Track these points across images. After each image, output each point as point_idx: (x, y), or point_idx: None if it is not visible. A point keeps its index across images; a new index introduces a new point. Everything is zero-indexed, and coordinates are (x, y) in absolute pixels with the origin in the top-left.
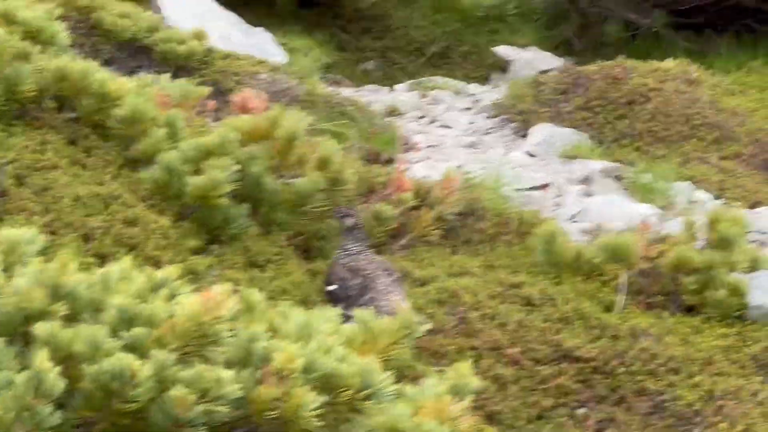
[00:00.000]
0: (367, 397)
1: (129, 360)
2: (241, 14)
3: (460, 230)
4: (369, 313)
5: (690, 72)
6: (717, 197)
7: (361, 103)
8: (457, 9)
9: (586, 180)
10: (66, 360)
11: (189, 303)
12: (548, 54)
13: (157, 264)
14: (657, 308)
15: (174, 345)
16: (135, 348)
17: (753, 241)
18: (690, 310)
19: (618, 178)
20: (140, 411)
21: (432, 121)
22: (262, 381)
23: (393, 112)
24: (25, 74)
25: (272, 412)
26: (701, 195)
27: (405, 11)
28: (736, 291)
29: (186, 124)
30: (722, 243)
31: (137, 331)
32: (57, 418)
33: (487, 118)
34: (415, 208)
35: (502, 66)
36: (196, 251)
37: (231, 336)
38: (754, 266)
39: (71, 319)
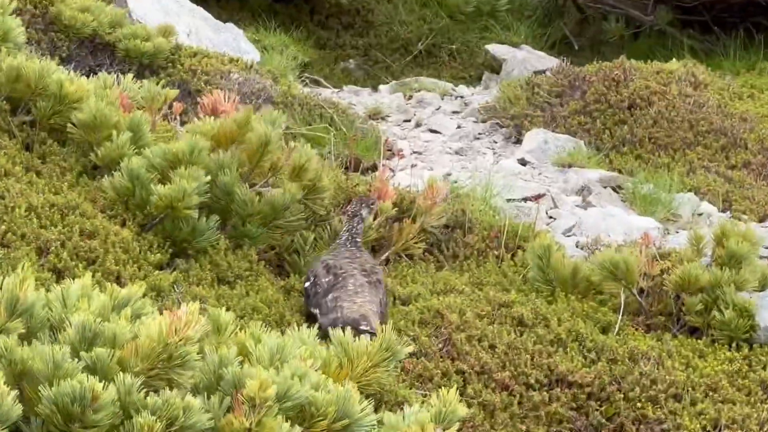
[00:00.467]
0: (345, 428)
1: (91, 382)
2: (211, 9)
3: (446, 244)
4: (347, 335)
5: (696, 74)
6: (723, 210)
7: (341, 105)
8: (446, 4)
9: (582, 190)
10: (22, 377)
11: (154, 323)
12: (543, 53)
13: (117, 279)
14: (658, 329)
15: (138, 367)
16: (96, 370)
17: (762, 257)
18: (694, 331)
19: (617, 189)
20: None
21: (417, 125)
22: (232, 409)
23: (375, 115)
24: None
25: None
26: (707, 207)
27: (389, 6)
28: (744, 312)
29: (151, 129)
30: (731, 260)
31: (99, 351)
32: None
33: (477, 122)
34: (398, 219)
35: (494, 66)
36: (160, 266)
37: (198, 359)
38: (763, 285)
39: (28, 337)
